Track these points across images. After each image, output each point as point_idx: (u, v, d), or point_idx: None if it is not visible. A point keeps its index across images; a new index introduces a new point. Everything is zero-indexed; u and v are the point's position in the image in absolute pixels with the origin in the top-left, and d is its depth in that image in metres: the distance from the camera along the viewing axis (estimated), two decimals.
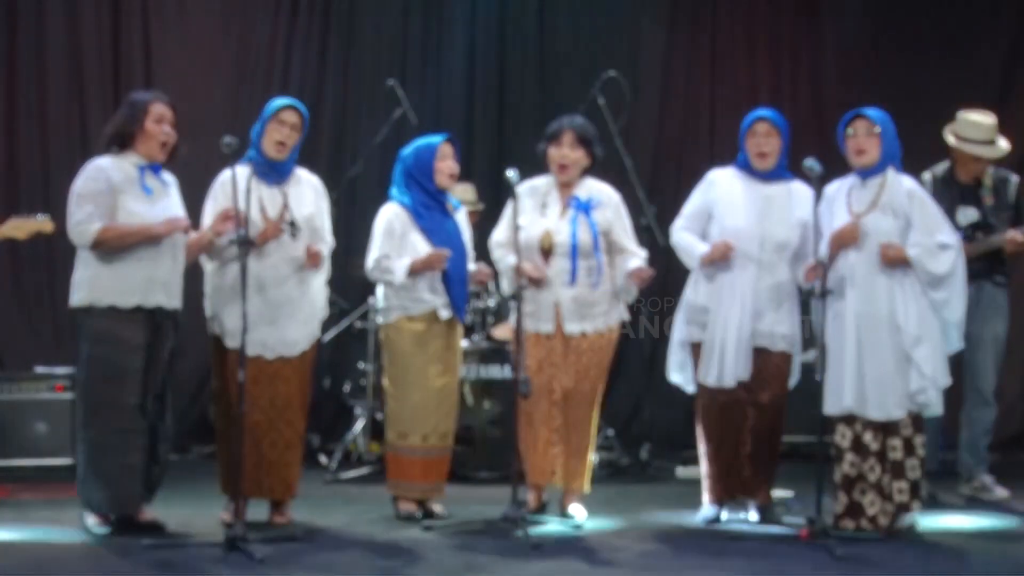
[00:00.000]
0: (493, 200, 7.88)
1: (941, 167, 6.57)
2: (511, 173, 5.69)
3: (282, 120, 5.61)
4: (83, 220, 5.34)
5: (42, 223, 6.07)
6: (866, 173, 5.64)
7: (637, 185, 7.46)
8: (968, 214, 6.48)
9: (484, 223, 7.38)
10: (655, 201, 7.59)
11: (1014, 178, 6.57)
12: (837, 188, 5.75)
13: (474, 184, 7.90)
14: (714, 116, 8.86)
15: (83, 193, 5.37)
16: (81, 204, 5.36)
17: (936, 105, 6.84)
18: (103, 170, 5.39)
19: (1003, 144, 6.51)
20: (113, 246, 5.34)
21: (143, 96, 5.56)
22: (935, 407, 5.58)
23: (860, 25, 8.94)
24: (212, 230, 5.50)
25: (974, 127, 6.48)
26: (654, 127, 8.89)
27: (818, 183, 5.50)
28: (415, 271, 5.75)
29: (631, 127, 7.98)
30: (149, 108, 5.44)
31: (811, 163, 5.49)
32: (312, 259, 5.60)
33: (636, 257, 5.88)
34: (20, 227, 6.13)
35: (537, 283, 5.77)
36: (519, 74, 8.81)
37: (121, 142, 5.45)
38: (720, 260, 5.73)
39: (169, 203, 5.50)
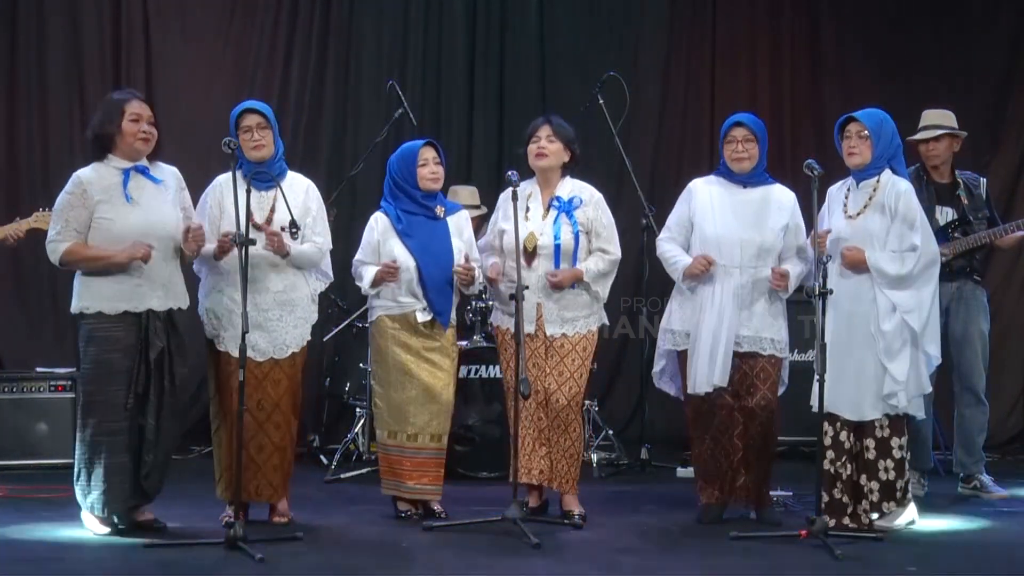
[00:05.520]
0: (493, 201, 7.87)
1: (912, 168, 6.58)
2: (511, 174, 5.69)
3: (245, 128, 5.59)
4: (53, 239, 5.38)
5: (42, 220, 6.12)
6: (860, 175, 5.64)
7: (637, 185, 7.46)
8: (946, 213, 6.55)
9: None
10: (655, 201, 7.59)
11: (983, 180, 6.72)
12: (838, 189, 5.76)
13: (474, 186, 7.90)
14: (714, 116, 8.85)
15: (58, 209, 5.39)
16: (55, 221, 5.39)
17: (935, 106, 6.83)
18: (81, 183, 5.36)
19: (942, 132, 6.58)
20: (80, 267, 5.38)
21: (118, 96, 5.53)
22: (912, 412, 5.58)
23: (859, 26, 8.95)
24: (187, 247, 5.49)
25: (921, 119, 6.66)
26: (654, 127, 8.90)
27: (818, 183, 5.50)
28: (376, 283, 5.79)
29: (631, 127, 7.98)
30: (124, 108, 5.40)
31: (811, 163, 5.50)
32: (272, 242, 5.50)
33: (595, 256, 5.82)
34: (20, 225, 6.22)
35: (492, 282, 5.83)
36: (519, 74, 8.81)
37: (102, 144, 5.42)
38: (701, 274, 5.73)
39: (156, 205, 5.40)
